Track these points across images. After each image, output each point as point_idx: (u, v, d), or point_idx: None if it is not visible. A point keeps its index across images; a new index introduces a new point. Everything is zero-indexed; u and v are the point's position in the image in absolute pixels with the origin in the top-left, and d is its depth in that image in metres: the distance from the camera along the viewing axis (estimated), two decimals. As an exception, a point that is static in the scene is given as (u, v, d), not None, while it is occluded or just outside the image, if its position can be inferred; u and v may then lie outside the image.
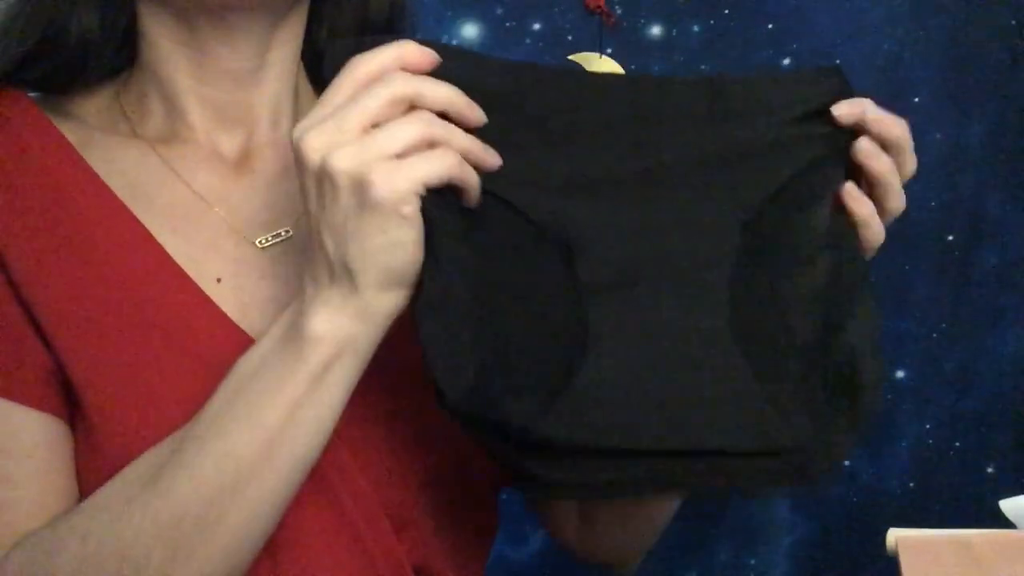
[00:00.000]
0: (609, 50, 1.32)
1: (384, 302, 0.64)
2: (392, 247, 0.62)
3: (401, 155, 0.61)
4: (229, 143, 0.80)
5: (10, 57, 0.77)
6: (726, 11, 1.33)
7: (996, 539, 0.62)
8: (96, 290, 0.72)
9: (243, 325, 0.74)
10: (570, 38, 1.33)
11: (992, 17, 1.31)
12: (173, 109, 0.79)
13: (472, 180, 0.64)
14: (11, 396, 0.71)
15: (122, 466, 0.69)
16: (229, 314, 0.74)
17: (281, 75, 0.81)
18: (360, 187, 0.61)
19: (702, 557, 1.36)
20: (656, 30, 1.33)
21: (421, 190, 0.62)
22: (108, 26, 0.79)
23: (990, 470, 1.34)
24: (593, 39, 1.32)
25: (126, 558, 0.65)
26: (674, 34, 1.33)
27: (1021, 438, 1.34)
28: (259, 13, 0.77)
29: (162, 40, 0.78)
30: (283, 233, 0.78)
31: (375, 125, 0.62)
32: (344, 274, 0.63)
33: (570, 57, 1.33)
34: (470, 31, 1.32)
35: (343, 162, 0.61)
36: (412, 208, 0.61)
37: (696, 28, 1.33)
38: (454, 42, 1.32)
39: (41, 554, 0.68)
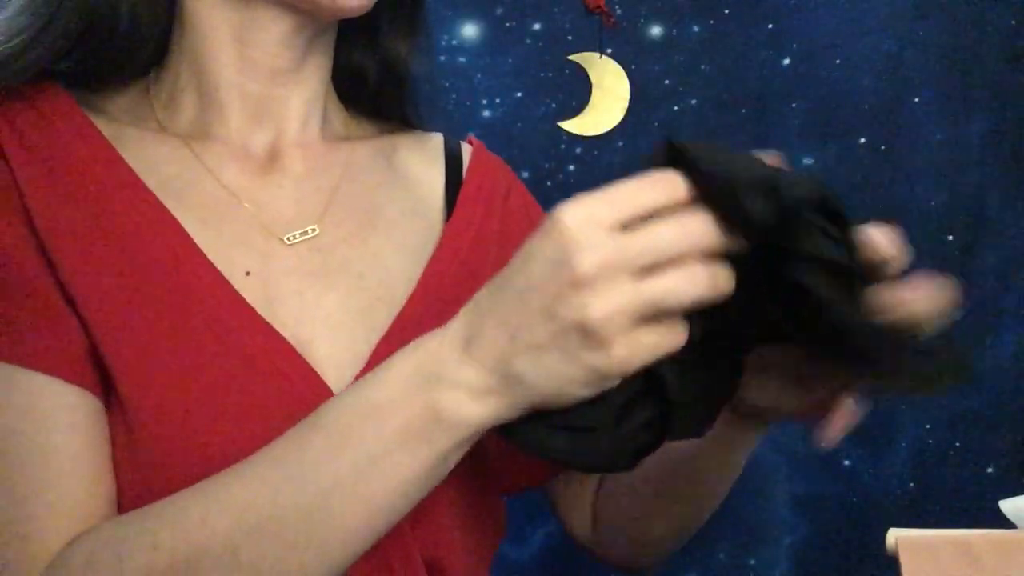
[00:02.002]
0: (609, 50, 1.32)
1: (516, 415, 0.62)
2: (571, 397, 0.60)
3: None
4: (259, 140, 0.82)
5: (58, 44, 0.77)
6: (726, 11, 1.33)
7: (996, 539, 0.62)
8: (130, 279, 0.73)
9: (269, 318, 0.75)
10: (570, 38, 1.33)
11: (992, 17, 1.31)
12: (210, 103, 0.81)
13: None
14: (53, 372, 0.71)
15: (152, 449, 0.69)
16: (256, 306, 0.75)
17: (317, 79, 0.84)
18: (605, 352, 0.58)
19: (702, 557, 1.36)
20: (656, 30, 1.33)
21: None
22: (157, 13, 0.80)
23: (990, 470, 1.34)
24: (593, 39, 1.32)
25: None
26: (674, 34, 1.33)
27: (1021, 438, 1.34)
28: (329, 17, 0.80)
29: (217, 33, 0.80)
30: (310, 231, 0.80)
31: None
32: (514, 383, 0.60)
33: (570, 57, 1.33)
34: (470, 31, 1.33)
35: (611, 329, 0.57)
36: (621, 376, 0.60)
37: (696, 28, 1.33)
38: (454, 43, 1.32)
39: (109, 556, 0.66)
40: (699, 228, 0.58)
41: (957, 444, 1.34)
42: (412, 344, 0.64)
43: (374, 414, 0.63)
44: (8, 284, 0.71)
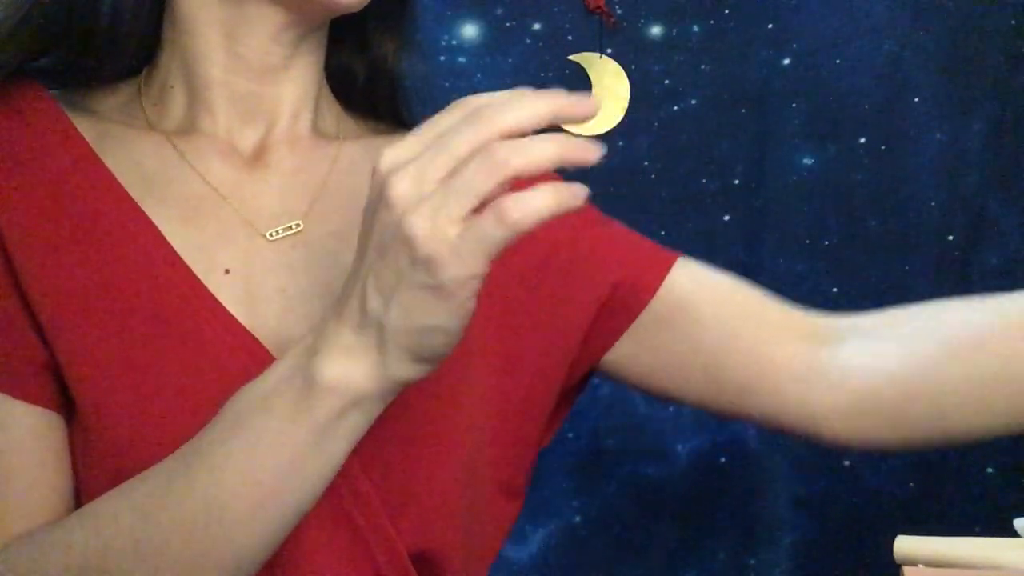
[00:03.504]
0: (609, 50, 1.32)
1: (405, 373, 0.62)
2: (437, 332, 0.60)
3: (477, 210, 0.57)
4: (248, 137, 0.81)
5: (34, 40, 0.77)
6: (726, 11, 1.32)
7: (996, 545, 0.62)
8: (97, 284, 0.72)
9: (249, 316, 0.74)
10: (570, 38, 1.33)
11: (992, 17, 1.31)
12: (198, 101, 0.80)
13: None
14: (3, 389, 0.71)
15: (114, 462, 0.69)
16: (236, 305, 0.74)
17: (308, 76, 0.83)
18: (429, 264, 0.57)
19: (702, 557, 1.36)
20: (656, 30, 1.33)
21: (488, 267, 0.58)
22: (141, 9, 0.79)
23: (990, 470, 1.33)
24: (593, 39, 1.32)
25: (108, 575, 0.65)
26: (674, 34, 1.33)
27: (1021, 438, 1.33)
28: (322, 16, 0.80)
29: (205, 30, 0.79)
30: (294, 226, 0.79)
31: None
32: (376, 331, 0.61)
33: (570, 57, 1.33)
34: (470, 31, 1.32)
35: (418, 227, 0.57)
36: (474, 296, 0.59)
37: (696, 28, 1.33)
38: (454, 43, 1.32)
39: (27, 558, 0.67)
40: (487, 115, 0.58)
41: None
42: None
43: (265, 395, 0.63)
44: None
